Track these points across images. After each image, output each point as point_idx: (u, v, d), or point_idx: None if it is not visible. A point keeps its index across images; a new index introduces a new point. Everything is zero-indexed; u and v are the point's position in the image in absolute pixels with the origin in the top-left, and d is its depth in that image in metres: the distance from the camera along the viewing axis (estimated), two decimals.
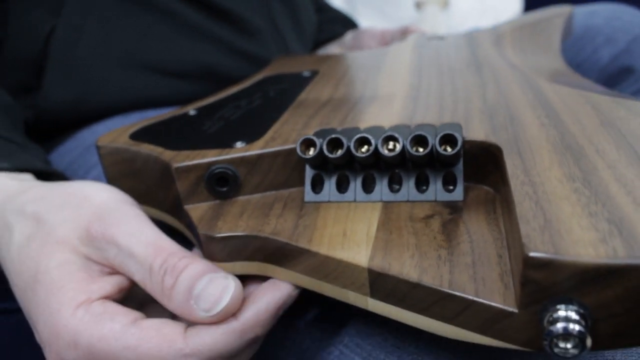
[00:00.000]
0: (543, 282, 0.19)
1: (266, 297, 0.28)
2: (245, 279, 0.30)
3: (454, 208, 0.28)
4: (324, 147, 0.29)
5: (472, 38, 0.57)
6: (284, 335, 0.38)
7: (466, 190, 0.29)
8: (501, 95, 0.36)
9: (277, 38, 0.63)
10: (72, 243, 0.30)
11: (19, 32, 0.55)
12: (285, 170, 0.32)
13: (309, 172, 0.31)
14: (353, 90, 0.42)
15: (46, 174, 0.38)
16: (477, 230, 0.26)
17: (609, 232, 0.20)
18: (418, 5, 0.90)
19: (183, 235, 0.35)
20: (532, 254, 0.19)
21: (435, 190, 0.29)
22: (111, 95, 0.55)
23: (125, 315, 0.28)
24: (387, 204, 0.29)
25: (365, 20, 1.15)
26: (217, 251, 0.29)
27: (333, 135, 0.29)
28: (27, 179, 0.36)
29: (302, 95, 0.42)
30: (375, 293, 0.25)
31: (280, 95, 0.43)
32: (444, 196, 0.29)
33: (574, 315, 0.19)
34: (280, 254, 0.28)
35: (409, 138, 0.27)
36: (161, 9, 0.56)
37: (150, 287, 0.28)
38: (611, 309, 0.19)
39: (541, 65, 0.44)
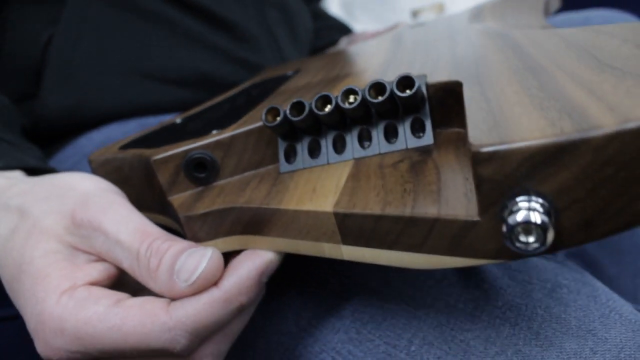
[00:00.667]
0: (495, 177, 0.19)
1: (246, 264, 0.28)
2: (228, 256, 0.30)
3: (424, 152, 0.28)
4: (288, 113, 0.29)
5: (451, 18, 0.58)
6: (277, 340, 0.38)
7: (437, 135, 0.29)
8: (470, 48, 0.36)
9: (273, 45, 0.64)
10: (57, 232, 0.29)
11: (17, 40, 0.55)
12: (260, 148, 0.32)
13: (281, 144, 0.31)
14: (329, 73, 0.43)
15: (40, 172, 0.39)
16: (445, 163, 0.26)
17: (558, 118, 0.19)
18: (414, 13, 0.91)
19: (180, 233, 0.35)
20: (477, 150, 0.19)
21: (405, 138, 0.28)
22: (108, 102, 0.55)
23: (109, 297, 0.28)
24: (358, 160, 0.29)
25: (363, 26, 1.15)
26: (197, 230, 0.30)
27: (295, 100, 0.29)
28: (16, 176, 0.36)
29: (282, 88, 0.43)
30: (345, 238, 0.25)
31: (262, 92, 0.43)
32: (414, 142, 0.28)
33: (533, 205, 0.19)
34: (255, 222, 0.29)
35: (367, 88, 0.27)
36: (158, 17, 0.56)
37: (139, 272, 0.28)
38: (572, 194, 0.19)
39: (521, 24, 0.44)
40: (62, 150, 0.57)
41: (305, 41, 0.72)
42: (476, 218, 0.21)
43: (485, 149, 0.19)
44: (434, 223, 0.22)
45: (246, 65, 0.60)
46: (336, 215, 0.25)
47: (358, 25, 1.12)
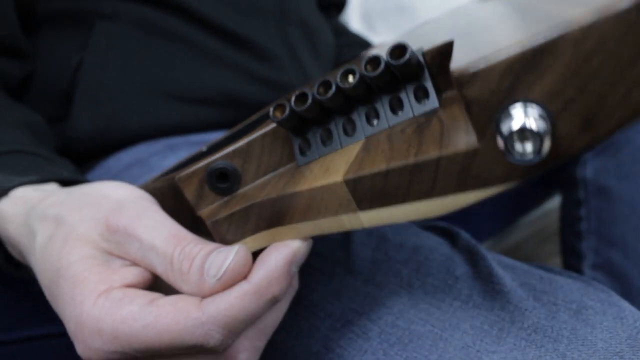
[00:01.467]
0: (482, 97, 0.19)
1: (274, 255, 0.29)
2: (259, 254, 0.31)
3: (430, 114, 0.28)
4: (293, 104, 0.29)
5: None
6: None
7: (443, 99, 0.28)
8: (474, 20, 0.36)
9: (295, 63, 0.65)
10: (92, 239, 0.30)
11: (49, 65, 0.57)
12: (276, 149, 0.33)
13: (295, 140, 0.32)
14: None
15: (74, 183, 0.39)
16: (449, 117, 0.26)
17: (535, 26, 0.19)
18: None
19: None
20: (459, 74, 0.19)
21: (411, 106, 0.28)
22: (136, 123, 0.57)
23: (143, 297, 0.28)
24: (369, 137, 0.29)
25: (383, 38, 1.16)
26: (225, 233, 0.31)
27: (298, 91, 0.29)
28: (51, 188, 0.37)
29: None
30: (360, 203, 0.26)
31: None
32: (420, 109, 0.28)
33: (526, 111, 0.19)
34: (277, 212, 0.29)
35: (363, 64, 0.27)
36: (182, 38, 0.58)
37: (172, 277, 0.29)
38: (563, 95, 0.18)
39: None
40: (91, 172, 0.58)
41: (327, 58, 0.72)
42: (476, 145, 0.21)
43: (466, 71, 0.19)
44: (438, 163, 0.22)
45: (270, 84, 0.61)
46: (347, 182, 0.26)
47: (378, 37, 1.12)
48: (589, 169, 0.74)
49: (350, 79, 0.28)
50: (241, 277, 0.28)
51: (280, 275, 0.28)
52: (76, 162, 0.58)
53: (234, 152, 0.32)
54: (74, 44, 0.57)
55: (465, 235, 0.41)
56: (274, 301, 0.29)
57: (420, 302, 0.36)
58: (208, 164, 0.32)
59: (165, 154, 0.55)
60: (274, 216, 0.30)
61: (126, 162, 0.56)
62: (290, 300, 0.32)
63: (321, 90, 0.29)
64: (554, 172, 0.82)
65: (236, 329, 0.28)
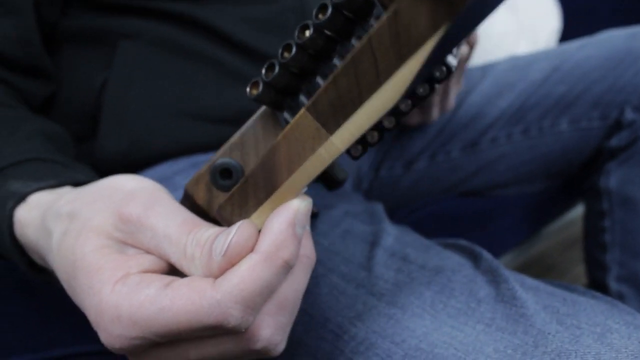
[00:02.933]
0: None
1: (275, 220, 0.28)
2: None
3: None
4: (264, 76, 0.29)
5: None
6: None
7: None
8: None
9: None
10: (106, 229, 0.30)
11: (73, 85, 0.58)
12: (269, 133, 0.33)
13: (280, 116, 0.32)
14: None
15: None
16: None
17: None
18: None
19: None
20: None
21: None
22: (161, 143, 0.58)
23: (160, 280, 0.28)
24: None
25: None
26: (229, 215, 0.31)
27: (268, 62, 0.30)
28: (66, 190, 0.37)
29: None
30: (326, 125, 0.26)
31: None
32: None
33: None
34: (269, 175, 0.29)
35: (314, 15, 0.27)
36: (205, 57, 0.58)
37: (186, 266, 0.29)
38: None
39: None
40: None
41: None
42: (394, 7, 0.21)
43: None
44: (371, 45, 0.23)
45: None
46: (309, 109, 0.26)
47: None
48: (613, 179, 0.73)
49: (307, 33, 0.28)
50: (248, 250, 0.28)
51: (286, 238, 0.28)
52: None
53: (230, 147, 0.33)
54: (97, 63, 0.58)
55: (487, 255, 0.41)
56: (286, 267, 0.28)
57: (444, 325, 0.36)
58: (209, 166, 0.33)
59: (190, 173, 0.56)
60: (267, 182, 0.29)
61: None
62: (308, 272, 0.31)
63: (285, 54, 0.29)
64: (576, 181, 0.81)
65: (254, 303, 0.27)
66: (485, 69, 0.82)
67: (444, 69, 0.30)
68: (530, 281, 0.39)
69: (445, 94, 0.67)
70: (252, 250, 0.28)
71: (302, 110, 0.26)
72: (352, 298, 0.40)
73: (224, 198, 0.32)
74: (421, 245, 0.44)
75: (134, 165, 0.58)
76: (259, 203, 0.30)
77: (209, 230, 0.29)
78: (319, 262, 0.42)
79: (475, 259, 0.41)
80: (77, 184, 0.38)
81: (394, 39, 0.22)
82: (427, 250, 0.42)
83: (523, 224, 0.85)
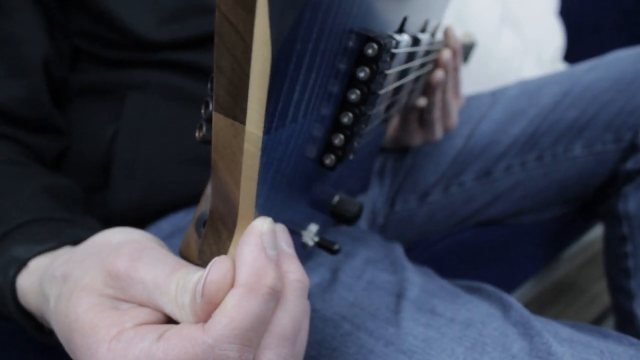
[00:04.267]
0: None
1: (245, 249, 0.27)
2: None
3: None
4: (203, 115, 0.28)
5: None
6: None
7: None
8: None
9: None
10: (96, 287, 0.30)
11: (84, 138, 0.58)
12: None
13: None
14: None
15: None
16: None
17: None
18: None
19: None
20: None
21: None
22: (174, 192, 0.57)
23: (154, 332, 0.27)
24: None
25: None
26: (210, 254, 0.29)
27: (204, 101, 0.28)
28: (64, 251, 0.37)
29: None
30: (236, 116, 0.24)
31: None
32: None
33: None
34: (224, 198, 0.28)
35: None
36: None
37: (179, 314, 0.28)
38: None
39: None
40: None
41: None
42: None
43: None
44: (220, 11, 0.22)
45: None
46: (216, 109, 0.25)
47: None
48: (632, 203, 0.72)
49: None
50: (227, 286, 0.26)
51: (262, 264, 0.26)
52: None
53: (205, 197, 0.32)
54: (107, 115, 0.58)
55: (517, 304, 0.40)
56: (272, 294, 0.26)
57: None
58: (193, 224, 0.32)
59: None
60: (227, 206, 0.28)
61: (167, 231, 0.56)
62: (302, 297, 0.29)
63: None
64: (592, 205, 0.80)
65: (249, 340, 0.26)
66: (495, 94, 0.82)
67: (367, 70, 0.30)
68: (564, 331, 0.38)
69: (445, 110, 0.66)
70: (232, 285, 0.26)
71: (213, 114, 0.25)
72: (382, 357, 0.39)
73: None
74: (447, 294, 0.43)
75: (148, 216, 0.57)
76: (230, 232, 0.29)
77: (196, 274, 0.28)
78: (345, 319, 0.41)
79: (504, 309, 0.40)
80: (77, 241, 0.38)
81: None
82: (454, 300, 0.41)
83: (541, 250, 0.83)
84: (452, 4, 1.17)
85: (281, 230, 0.30)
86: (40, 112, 0.53)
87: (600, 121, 0.72)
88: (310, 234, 0.40)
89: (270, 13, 0.20)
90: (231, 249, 0.28)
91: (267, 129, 0.24)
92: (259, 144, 0.24)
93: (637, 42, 0.77)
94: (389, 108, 0.46)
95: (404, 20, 0.37)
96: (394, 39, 0.32)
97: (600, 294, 1.11)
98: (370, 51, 0.30)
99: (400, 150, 0.78)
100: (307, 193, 0.36)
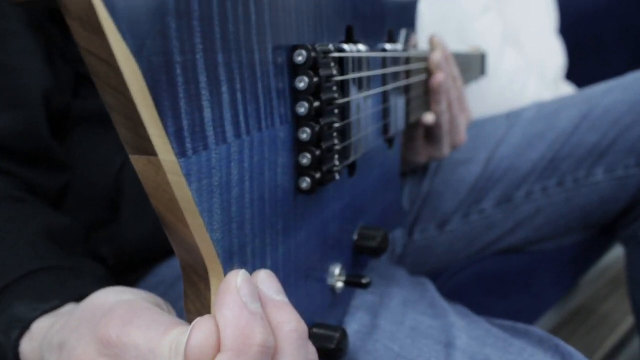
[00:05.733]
0: None
1: (224, 308, 0.25)
2: None
3: None
4: None
5: None
6: None
7: None
8: None
9: None
10: (91, 357, 0.28)
11: (90, 169, 0.55)
12: None
13: None
14: None
15: None
16: None
17: None
18: None
19: None
20: None
21: None
22: None
23: None
24: None
25: None
26: (195, 311, 0.28)
27: None
28: (67, 310, 0.36)
29: None
30: (146, 150, 0.23)
31: None
32: None
33: None
34: (183, 245, 0.26)
35: None
36: None
37: None
38: None
39: None
40: (144, 279, 0.56)
41: None
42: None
43: None
44: (82, 48, 0.22)
45: None
46: (130, 152, 0.24)
47: None
48: None
49: None
50: (212, 349, 0.24)
51: (247, 322, 0.24)
52: (130, 267, 0.55)
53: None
54: (114, 144, 0.54)
55: (578, 355, 0.38)
56: (265, 351, 0.24)
57: None
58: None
59: None
60: (189, 253, 0.26)
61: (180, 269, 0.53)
62: (303, 346, 0.27)
63: None
64: (612, 229, 0.78)
65: None
66: (510, 117, 0.80)
67: (306, 78, 0.30)
68: None
69: (453, 124, 0.64)
70: (217, 347, 0.24)
71: (130, 158, 0.24)
72: None
73: None
74: (496, 340, 0.40)
75: (159, 251, 0.55)
76: (206, 281, 0.27)
77: (182, 335, 0.26)
78: None
79: (563, 358, 0.38)
80: (81, 297, 0.36)
81: (80, 26, 0.21)
82: (506, 349, 0.39)
83: (563, 276, 0.81)
84: (453, 24, 1.16)
85: (266, 277, 0.27)
86: (39, 144, 0.49)
87: (622, 145, 0.71)
88: (335, 275, 0.39)
89: (119, 27, 0.20)
90: (213, 298, 0.27)
91: (181, 153, 0.23)
92: (179, 170, 0.23)
93: None
94: (385, 115, 0.46)
95: (348, 29, 0.38)
96: (326, 45, 0.32)
97: (622, 318, 1.09)
98: (300, 58, 0.30)
99: (414, 175, 0.76)
100: (312, 231, 0.34)
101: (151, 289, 0.54)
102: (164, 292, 0.53)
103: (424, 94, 0.61)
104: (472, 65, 0.97)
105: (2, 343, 0.36)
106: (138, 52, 0.20)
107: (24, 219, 0.44)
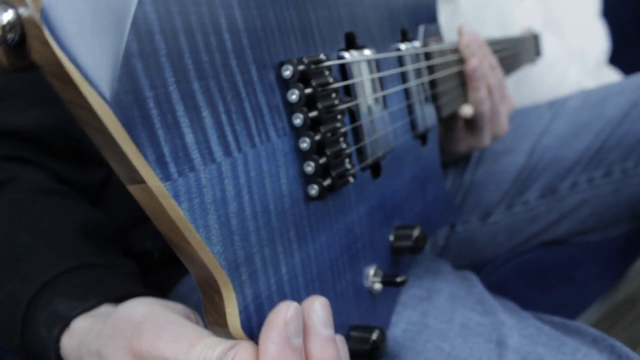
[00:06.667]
0: None
1: (269, 341, 0.26)
2: None
3: None
4: None
5: None
6: None
7: None
8: None
9: None
10: None
11: None
12: None
13: None
14: None
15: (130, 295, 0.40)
16: None
17: None
18: None
19: None
20: None
21: None
22: None
23: None
24: None
25: None
26: (214, 320, 0.29)
27: None
28: (103, 311, 0.38)
29: None
30: (136, 179, 0.25)
31: None
32: None
33: None
34: (192, 261, 0.28)
35: None
36: None
37: None
38: None
39: None
40: (181, 283, 0.56)
41: None
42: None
43: None
44: (56, 91, 0.24)
45: None
46: (126, 183, 0.26)
47: None
48: None
49: None
50: None
51: (287, 357, 0.26)
52: (175, 259, 0.56)
53: None
54: None
55: (633, 355, 0.37)
56: None
57: None
58: None
59: None
60: (199, 268, 0.28)
61: None
62: None
63: None
64: None
65: None
66: (554, 106, 0.78)
67: (296, 91, 0.31)
68: None
69: (493, 113, 0.63)
70: None
71: (128, 188, 0.26)
72: None
73: None
74: (549, 339, 0.40)
75: None
76: (219, 293, 0.28)
77: (215, 349, 0.28)
78: None
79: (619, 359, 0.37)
80: (117, 298, 0.39)
81: (57, 81, 0.23)
82: (559, 348, 0.38)
83: (609, 268, 0.79)
84: (491, 12, 1.13)
85: (320, 307, 0.29)
86: (73, 140, 0.50)
87: None
88: (369, 277, 0.39)
89: (85, 76, 0.22)
90: (227, 309, 0.28)
91: (166, 177, 0.25)
92: (167, 193, 0.25)
93: None
94: (409, 111, 0.47)
95: (348, 36, 0.39)
96: (316, 55, 0.33)
97: None
98: (287, 72, 0.31)
99: (456, 166, 0.75)
100: (334, 236, 0.35)
101: (184, 291, 0.55)
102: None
103: (460, 85, 0.60)
104: (526, 48, 0.96)
105: (44, 338, 0.38)
106: (106, 95, 0.23)
107: (61, 213, 0.46)
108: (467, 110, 0.60)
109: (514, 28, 1.10)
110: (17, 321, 0.39)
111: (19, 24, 0.22)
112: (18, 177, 0.47)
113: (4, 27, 0.22)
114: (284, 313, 0.27)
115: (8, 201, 0.45)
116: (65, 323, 0.38)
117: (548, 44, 1.16)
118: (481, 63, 0.59)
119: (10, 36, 0.22)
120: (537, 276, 0.73)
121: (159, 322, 0.31)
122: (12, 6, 0.22)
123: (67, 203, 0.48)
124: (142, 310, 0.33)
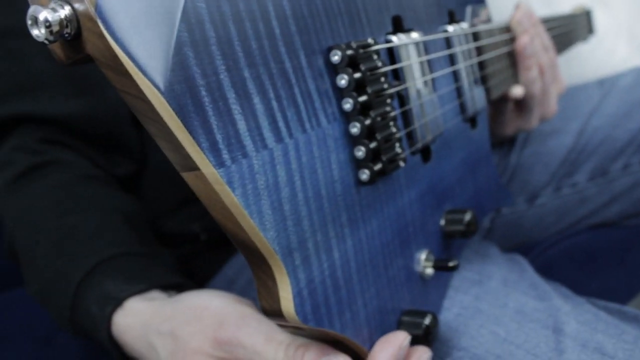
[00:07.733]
0: None
1: (382, 354, 0.32)
2: None
3: None
4: None
5: None
6: None
7: None
8: None
9: None
10: (205, 351, 0.34)
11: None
12: None
13: None
14: None
15: (173, 286, 0.43)
16: None
17: None
18: None
19: None
20: None
21: None
22: None
23: None
24: None
25: None
26: (267, 303, 0.30)
27: None
28: (156, 296, 0.41)
29: None
30: (191, 166, 0.25)
31: None
32: None
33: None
34: (244, 245, 0.28)
35: None
36: None
37: None
38: None
39: None
40: (215, 277, 0.57)
41: None
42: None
43: None
44: (114, 86, 0.25)
45: None
46: (181, 171, 0.26)
47: None
48: None
49: None
50: None
51: None
52: (223, 241, 0.56)
53: None
54: None
55: None
56: None
57: None
58: None
59: None
60: (251, 253, 0.28)
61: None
62: None
63: None
64: None
65: None
66: (604, 84, 0.76)
67: (345, 76, 0.31)
68: None
69: (544, 94, 0.61)
70: None
71: (182, 176, 0.26)
72: None
73: None
74: (607, 327, 0.39)
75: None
76: (272, 278, 0.29)
77: (299, 349, 0.32)
78: (499, 358, 0.37)
79: None
80: (164, 285, 0.42)
81: (111, 72, 0.24)
82: (619, 336, 0.37)
83: None
84: None
85: (421, 354, 0.34)
86: (113, 129, 0.51)
87: None
88: (421, 261, 0.39)
89: (139, 67, 0.23)
90: (280, 293, 0.29)
91: (219, 164, 0.25)
92: (220, 179, 0.25)
93: None
94: (459, 94, 0.46)
95: (395, 19, 0.39)
96: (364, 40, 0.33)
97: None
98: (336, 58, 0.31)
99: (501, 148, 0.73)
100: (385, 220, 0.35)
101: (217, 286, 0.55)
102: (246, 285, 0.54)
103: (510, 66, 0.58)
104: (579, 25, 0.93)
105: (95, 314, 0.40)
106: (160, 84, 0.23)
107: (104, 200, 0.47)
108: (517, 91, 0.58)
109: (560, 5, 1.07)
110: (68, 297, 0.41)
111: (74, 19, 0.23)
112: (60, 160, 0.49)
113: (61, 21, 0.23)
114: (403, 338, 0.33)
115: (52, 182, 0.47)
116: (117, 302, 0.40)
117: (596, 20, 1.12)
118: (532, 41, 0.57)
119: (66, 31, 0.23)
120: (586, 260, 0.71)
121: (240, 315, 0.35)
122: (68, 2, 0.23)
123: (109, 190, 0.49)
124: (218, 303, 0.36)
